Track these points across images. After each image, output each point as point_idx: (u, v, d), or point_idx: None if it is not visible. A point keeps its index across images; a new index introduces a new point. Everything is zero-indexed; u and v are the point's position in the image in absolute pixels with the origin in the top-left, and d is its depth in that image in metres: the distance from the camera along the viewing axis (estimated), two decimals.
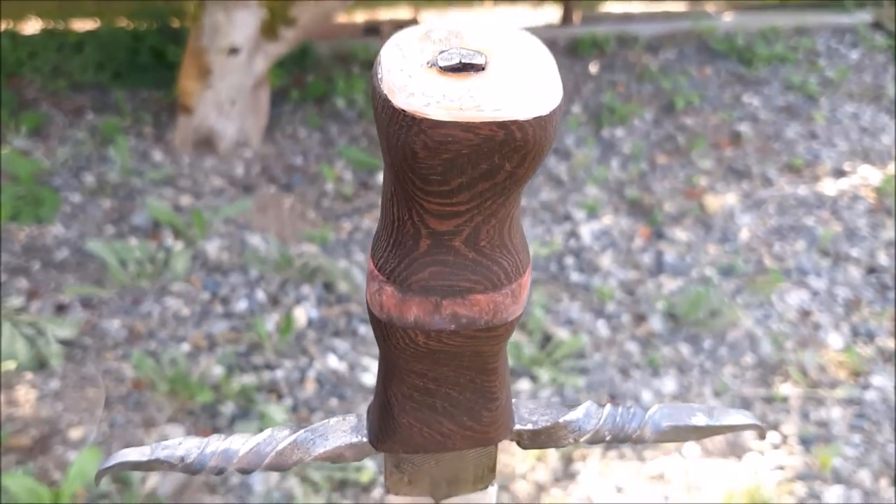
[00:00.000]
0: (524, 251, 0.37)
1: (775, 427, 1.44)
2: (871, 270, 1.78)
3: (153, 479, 1.29)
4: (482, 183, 0.32)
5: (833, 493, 1.34)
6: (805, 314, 1.67)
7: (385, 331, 0.37)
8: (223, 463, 0.41)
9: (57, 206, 1.77)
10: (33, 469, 1.28)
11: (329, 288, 1.63)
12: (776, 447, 1.41)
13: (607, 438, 0.44)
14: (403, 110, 0.30)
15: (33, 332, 1.47)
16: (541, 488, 1.32)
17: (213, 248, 1.70)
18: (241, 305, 1.57)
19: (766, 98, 2.40)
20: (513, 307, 0.37)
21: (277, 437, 0.41)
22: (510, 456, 1.36)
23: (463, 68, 0.31)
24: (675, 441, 0.45)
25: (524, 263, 0.36)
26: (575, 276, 1.72)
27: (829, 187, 2.01)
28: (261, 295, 1.60)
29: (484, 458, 0.44)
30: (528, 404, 0.44)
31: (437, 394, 0.40)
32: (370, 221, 1.84)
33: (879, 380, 1.52)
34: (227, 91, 2.02)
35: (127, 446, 1.33)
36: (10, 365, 1.43)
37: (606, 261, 1.78)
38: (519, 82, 0.31)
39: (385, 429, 0.41)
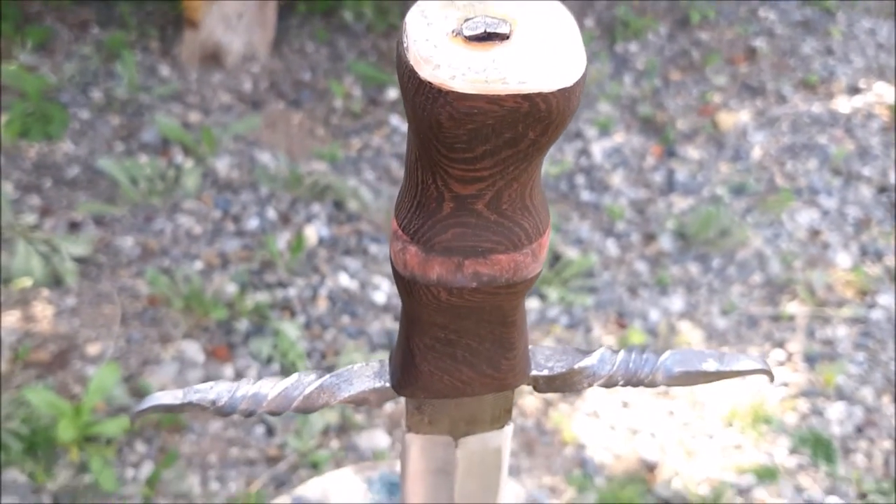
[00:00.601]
0: (544, 211, 0.37)
1: (781, 345, 1.46)
2: (883, 189, 1.77)
3: None
4: (505, 150, 0.32)
5: (835, 409, 1.36)
6: (815, 233, 1.67)
7: (408, 287, 0.38)
8: (253, 406, 0.42)
9: (66, 122, 1.77)
10: (53, 383, 1.31)
11: (339, 206, 1.64)
12: (781, 364, 1.43)
13: (620, 383, 0.46)
14: (430, 82, 0.30)
15: (48, 249, 1.49)
16: (549, 404, 1.35)
17: (222, 165, 1.70)
18: (253, 223, 1.58)
19: (783, 12, 2.35)
20: (532, 265, 0.38)
21: (304, 382, 0.43)
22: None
23: (488, 37, 0.31)
24: (686, 385, 0.47)
25: (544, 224, 0.37)
26: (585, 195, 1.72)
27: (844, 105, 1.99)
28: (272, 213, 1.61)
29: (501, 400, 0.46)
30: (545, 350, 0.46)
31: (458, 344, 0.41)
32: (379, 139, 1.84)
33: (886, 299, 1.54)
34: (234, 4, 1.98)
35: (144, 362, 1.36)
36: (26, 282, 1.45)
37: (617, 179, 1.77)
38: (543, 52, 0.31)
39: (407, 375, 0.42)
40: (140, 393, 1.31)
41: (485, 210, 0.35)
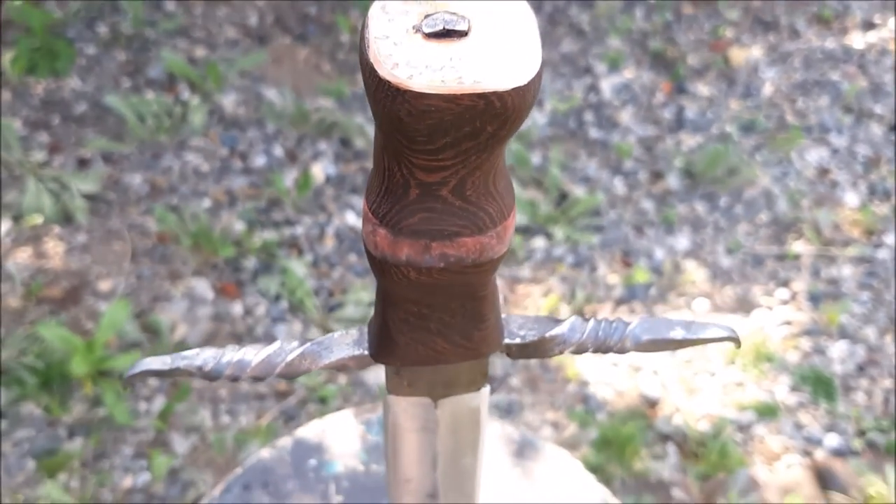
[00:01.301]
0: (509, 196, 0.39)
1: (785, 284, 1.47)
2: (894, 128, 1.76)
3: (182, 329, 1.34)
4: (466, 142, 0.33)
5: (838, 347, 1.38)
6: (823, 172, 1.66)
7: (380, 266, 0.40)
8: (238, 372, 0.44)
9: (72, 58, 1.76)
10: (66, 319, 1.33)
11: (345, 144, 1.64)
12: (784, 303, 1.44)
13: (590, 350, 0.47)
14: (388, 81, 0.31)
15: (57, 186, 1.50)
16: None
17: (229, 101, 1.69)
18: (260, 161, 1.58)
19: None
20: (498, 246, 0.39)
21: (286, 349, 0.44)
22: (522, 310, 1.40)
23: (446, 34, 0.32)
24: (655, 351, 0.48)
25: (508, 207, 0.38)
26: (594, 133, 1.71)
27: (858, 41, 1.96)
28: (278, 150, 1.61)
29: (477, 366, 0.48)
30: (517, 319, 0.47)
31: (431, 318, 0.43)
32: None
33: (892, 238, 1.53)
34: None
35: (154, 298, 1.38)
36: (37, 219, 1.46)
37: (626, 116, 1.76)
38: (500, 50, 0.32)
39: (384, 345, 0.44)
40: (151, 329, 1.33)
41: (449, 196, 0.36)
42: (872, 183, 1.64)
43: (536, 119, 1.72)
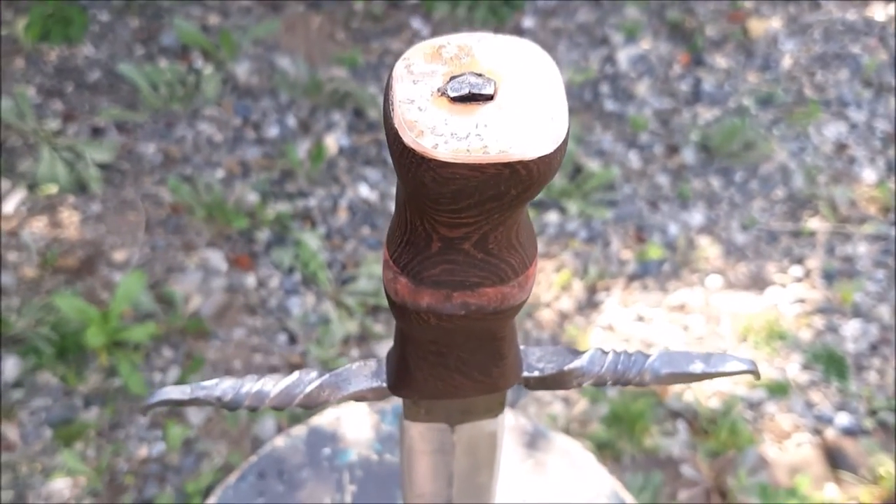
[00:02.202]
0: (531, 245, 0.39)
1: (800, 261, 1.46)
2: None
3: (196, 301, 1.35)
4: (489, 203, 0.33)
5: (851, 326, 1.37)
6: (841, 147, 1.64)
7: (400, 311, 0.40)
8: (256, 402, 0.44)
9: (85, 25, 1.75)
10: (81, 289, 1.34)
11: (359, 114, 1.63)
12: (798, 281, 1.43)
13: (609, 383, 0.47)
14: (413, 149, 0.31)
15: (72, 155, 1.50)
16: (564, 316, 1.37)
17: (242, 70, 1.68)
18: (273, 131, 1.58)
19: None
20: (520, 294, 0.39)
21: (305, 381, 0.44)
22: (535, 285, 1.40)
23: (472, 98, 0.32)
24: (673, 384, 0.48)
25: (531, 257, 0.39)
26: (609, 105, 1.70)
27: (879, 13, 1.92)
28: (291, 121, 1.60)
29: (495, 396, 0.48)
30: (536, 351, 0.47)
31: (450, 356, 0.43)
32: (400, 44, 1.80)
33: None
34: None
35: (168, 269, 1.38)
36: (51, 188, 1.46)
37: (643, 88, 1.74)
38: (526, 114, 0.32)
39: (402, 379, 0.44)
40: (165, 300, 1.34)
41: (472, 250, 0.36)
42: (890, 159, 1.62)
43: None
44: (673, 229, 1.49)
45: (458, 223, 0.35)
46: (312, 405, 0.46)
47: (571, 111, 1.67)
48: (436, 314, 0.39)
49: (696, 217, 1.51)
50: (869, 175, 1.59)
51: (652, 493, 1.17)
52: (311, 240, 1.40)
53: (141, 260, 1.40)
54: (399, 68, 0.33)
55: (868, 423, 1.27)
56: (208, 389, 0.46)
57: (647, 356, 0.48)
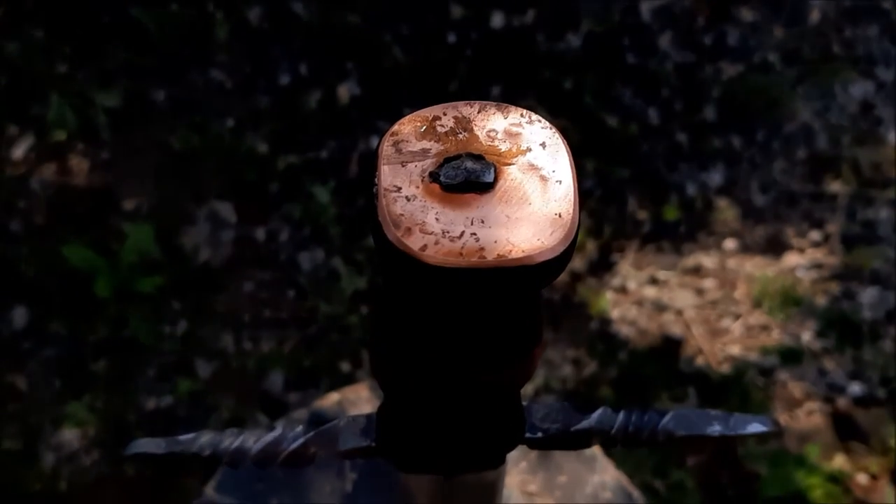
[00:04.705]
0: (536, 328, 0.35)
1: (819, 225, 1.43)
2: None
3: (205, 253, 1.34)
4: (486, 303, 0.30)
5: (868, 294, 1.35)
6: (867, 107, 1.60)
7: (390, 386, 0.38)
8: (236, 459, 0.42)
9: None
10: (90, 238, 1.33)
11: (373, 63, 1.59)
12: (817, 245, 1.41)
13: (618, 444, 0.44)
14: (398, 248, 0.27)
15: (81, 101, 1.48)
16: (576, 277, 1.35)
17: (254, 15, 1.65)
18: (284, 79, 1.55)
19: None
20: (522, 375, 0.36)
21: (289, 438, 0.42)
22: None
23: (468, 187, 0.27)
24: (688, 445, 0.45)
25: (535, 341, 0.35)
26: (630, 58, 1.65)
27: None
28: (304, 68, 1.57)
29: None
30: (541, 409, 0.44)
31: (445, 426, 0.40)
32: None
33: None
34: None
35: (178, 219, 1.37)
36: (61, 135, 1.45)
37: (665, 41, 1.69)
38: (530, 211, 0.27)
39: (393, 443, 0.42)
40: (174, 252, 1.33)
41: (471, 340, 0.33)
42: None
43: (571, 41, 1.66)
44: (691, 189, 1.46)
45: (452, 318, 0.31)
46: (298, 463, 0.44)
47: (591, 63, 1.63)
48: (431, 391, 0.36)
49: (715, 177, 1.48)
50: (894, 137, 1.55)
51: (659, 459, 1.16)
52: (322, 193, 1.38)
53: (150, 209, 1.39)
54: (386, 146, 0.29)
55: (881, 393, 1.25)
56: (185, 445, 0.43)
57: (662, 415, 0.45)
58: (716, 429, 0.45)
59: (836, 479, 1.15)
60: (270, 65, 1.57)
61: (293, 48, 1.60)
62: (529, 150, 0.29)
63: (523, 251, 0.27)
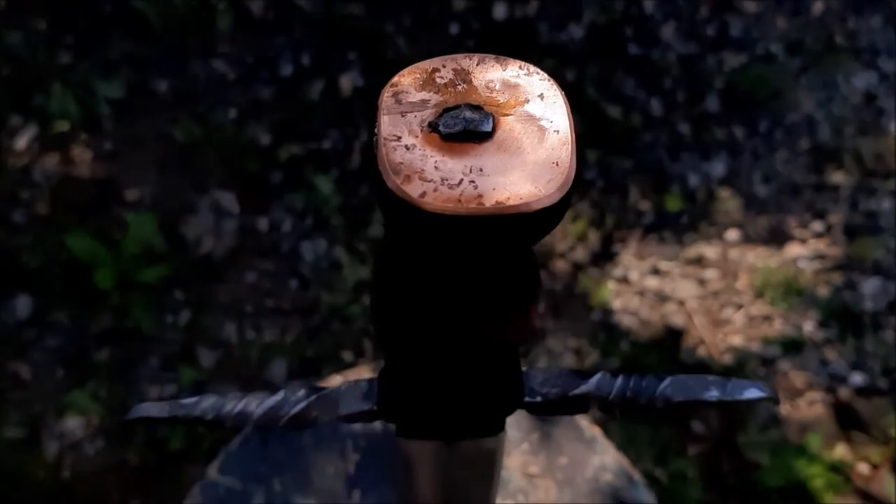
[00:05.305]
0: (534, 284, 0.35)
1: (821, 216, 1.43)
2: None
3: (208, 243, 1.34)
4: (484, 251, 0.30)
5: (870, 284, 1.35)
6: (870, 98, 1.60)
7: (390, 344, 0.37)
8: (240, 423, 0.42)
9: None
10: (93, 228, 1.34)
11: (375, 54, 1.59)
12: (819, 236, 1.41)
13: (617, 409, 0.45)
14: (397, 195, 0.27)
15: (83, 91, 1.48)
16: (578, 267, 1.35)
17: (256, 6, 1.64)
18: (287, 70, 1.55)
19: None
20: (521, 333, 0.36)
21: (291, 401, 0.42)
22: (550, 235, 1.38)
23: (467, 136, 0.28)
24: (686, 410, 0.46)
25: (533, 297, 0.35)
26: (633, 49, 1.65)
27: None
28: (306, 59, 1.57)
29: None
30: (539, 375, 0.44)
31: (445, 386, 0.40)
32: None
33: None
34: None
35: (180, 209, 1.37)
36: (63, 125, 1.45)
37: (668, 31, 1.69)
38: (528, 159, 0.28)
39: (394, 405, 0.42)
40: (177, 242, 1.33)
41: (469, 294, 0.33)
42: None
43: (573, 32, 1.66)
44: (693, 180, 1.46)
45: (450, 270, 0.32)
46: (300, 426, 0.44)
47: (593, 54, 1.62)
48: (431, 348, 0.36)
49: (718, 168, 1.48)
50: None
51: (660, 448, 1.17)
52: (324, 183, 1.38)
53: (153, 199, 1.39)
54: (386, 97, 0.29)
55: (882, 383, 1.25)
56: (188, 408, 0.44)
57: (660, 380, 0.45)
58: (713, 394, 0.45)
59: (837, 468, 1.15)
60: (273, 55, 1.57)
61: (295, 39, 1.60)
62: (528, 101, 0.29)
63: (521, 198, 0.27)
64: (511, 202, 0.27)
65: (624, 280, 1.34)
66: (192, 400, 0.44)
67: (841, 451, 1.18)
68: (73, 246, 1.26)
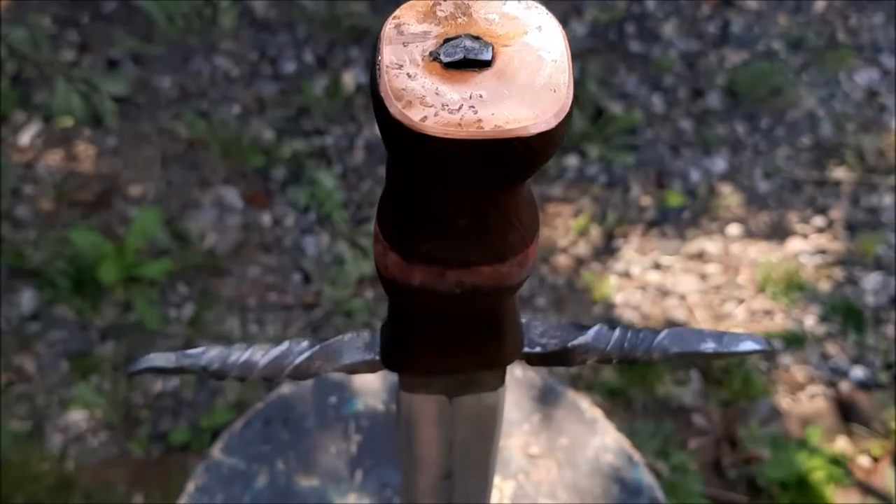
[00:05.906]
0: (532, 221, 0.36)
1: (823, 211, 1.44)
2: None
3: (211, 238, 1.35)
4: (484, 179, 0.31)
5: (871, 279, 1.35)
6: (872, 95, 1.60)
7: (390, 287, 0.37)
8: (244, 373, 0.43)
9: None
10: (97, 223, 1.34)
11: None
12: (820, 231, 1.41)
13: (614, 361, 0.45)
14: (399, 121, 0.28)
15: (87, 88, 1.48)
16: (580, 262, 1.36)
17: (259, 3, 1.65)
18: (290, 67, 1.56)
19: None
20: (518, 273, 0.36)
21: (295, 351, 0.43)
22: (552, 230, 1.39)
23: (467, 64, 0.29)
24: (684, 362, 0.46)
25: (531, 235, 0.36)
26: (635, 46, 1.65)
27: None
28: (309, 56, 1.57)
29: (494, 371, 0.46)
30: (539, 326, 0.45)
31: (446, 332, 0.40)
32: None
33: None
34: None
35: (184, 205, 1.38)
36: (67, 121, 1.45)
37: (669, 29, 1.69)
38: (526, 86, 0.29)
39: (395, 353, 0.43)
40: (181, 236, 1.34)
41: (466, 226, 0.34)
42: None
43: (575, 29, 1.66)
44: (695, 176, 1.46)
45: (450, 199, 0.32)
46: (304, 377, 0.45)
47: (594, 51, 1.63)
48: (428, 292, 0.36)
49: (719, 163, 1.48)
50: None
51: (662, 441, 1.17)
52: (327, 179, 1.39)
53: (156, 195, 1.39)
54: (388, 28, 0.30)
55: (883, 377, 1.26)
56: (194, 358, 0.45)
57: (657, 333, 0.46)
58: (709, 346, 0.46)
59: (838, 461, 1.15)
60: (275, 53, 1.58)
61: (298, 36, 1.61)
62: (526, 32, 0.30)
63: (519, 122, 0.28)
64: (509, 126, 0.28)
65: (626, 275, 1.35)
66: (198, 350, 0.45)
67: (842, 445, 1.19)
68: (78, 241, 1.27)
